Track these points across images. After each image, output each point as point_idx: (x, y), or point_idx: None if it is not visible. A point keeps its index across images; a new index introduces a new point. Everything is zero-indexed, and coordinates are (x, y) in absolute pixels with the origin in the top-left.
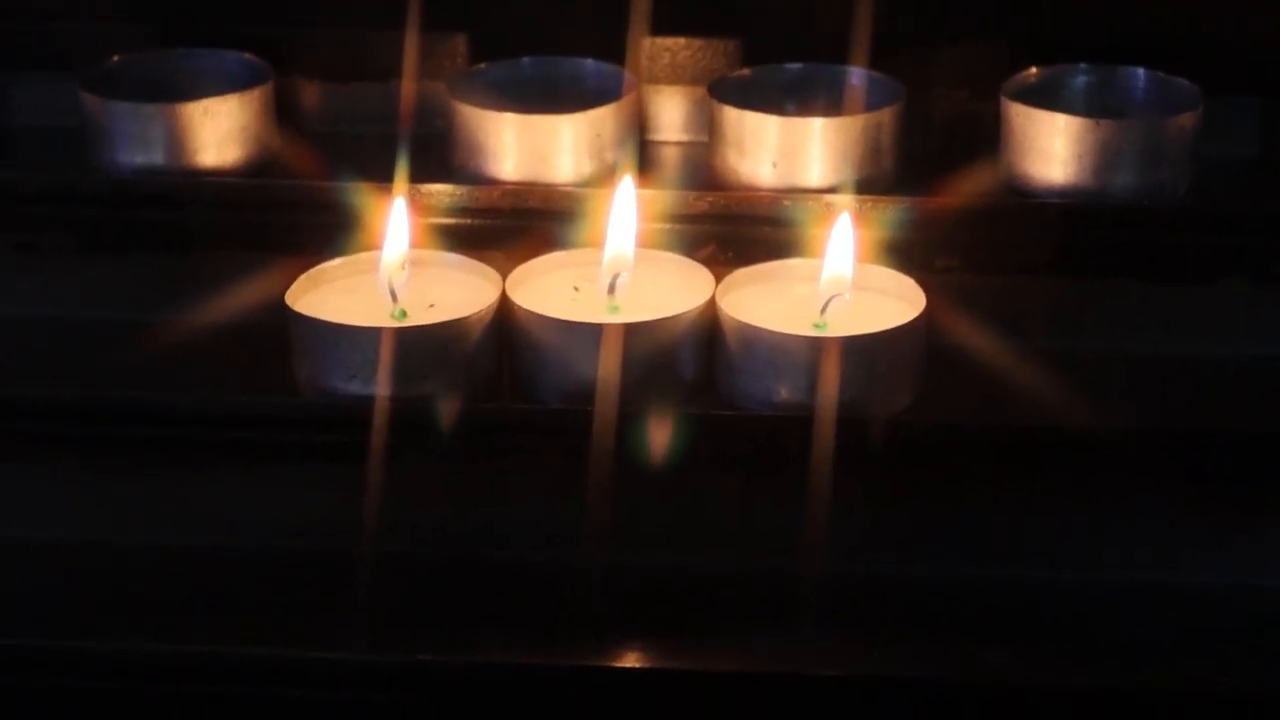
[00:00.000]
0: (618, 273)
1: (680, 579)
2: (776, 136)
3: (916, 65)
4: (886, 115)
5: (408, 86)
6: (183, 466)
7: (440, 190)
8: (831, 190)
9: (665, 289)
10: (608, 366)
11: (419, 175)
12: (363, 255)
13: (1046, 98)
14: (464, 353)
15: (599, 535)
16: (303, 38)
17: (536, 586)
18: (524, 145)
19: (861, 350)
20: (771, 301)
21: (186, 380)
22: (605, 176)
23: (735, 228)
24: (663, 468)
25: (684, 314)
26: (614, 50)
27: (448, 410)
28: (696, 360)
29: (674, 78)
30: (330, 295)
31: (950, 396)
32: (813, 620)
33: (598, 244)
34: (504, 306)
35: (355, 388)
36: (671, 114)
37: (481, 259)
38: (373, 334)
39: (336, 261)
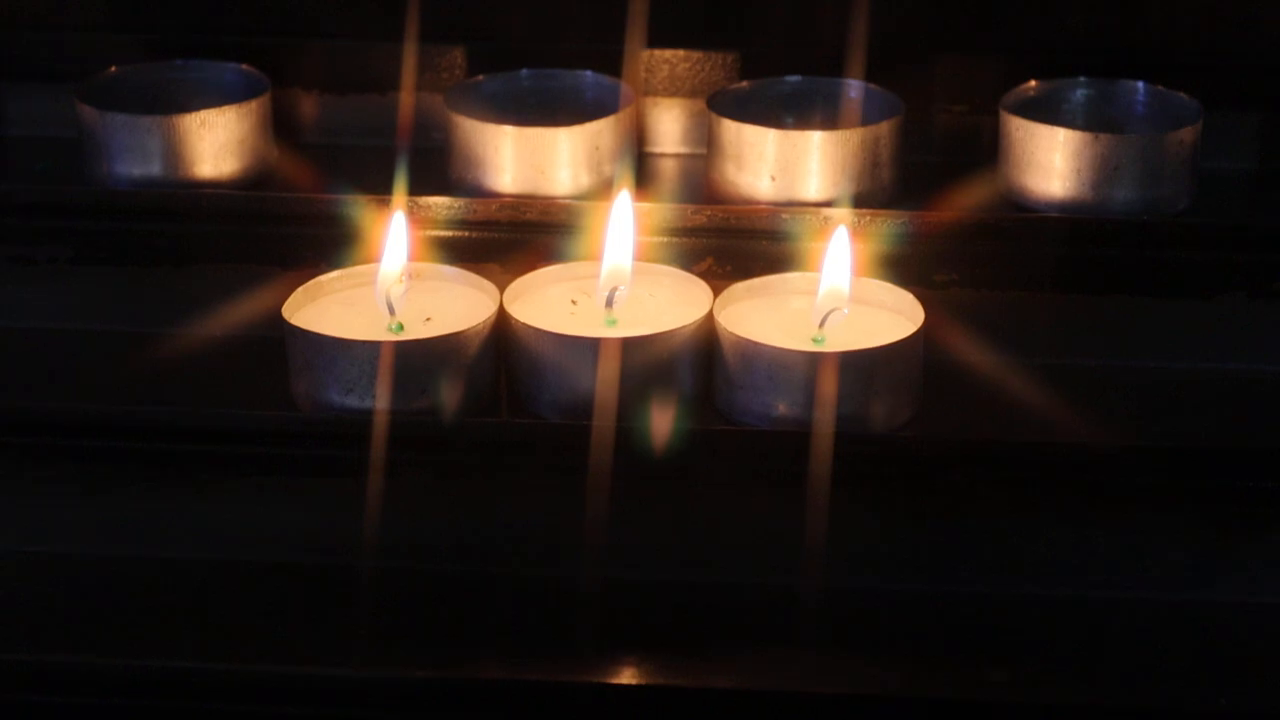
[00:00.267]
0: (615, 286)
1: (679, 595)
2: (775, 150)
3: (915, 78)
4: (885, 129)
5: (406, 99)
6: (179, 481)
7: (438, 203)
8: (830, 203)
9: (663, 302)
10: (605, 381)
11: (417, 188)
12: (360, 268)
13: (1046, 111)
14: (462, 366)
15: (597, 550)
16: (300, 49)
17: (534, 602)
18: (522, 158)
19: (860, 365)
20: (769, 315)
21: (182, 393)
22: (603, 189)
23: (733, 241)
24: (661, 483)
25: (682, 328)
26: (612, 62)
27: (446, 424)
28: (694, 374)
29: (672, 90)
30: (327, 308)
31: (949, 411)
32: (813, 637)
33: (595, 257)
34: (501, 320)
35: (352, 401)
36: (669, 126)
37: (479, 271)
38: (370, 348)
39: (333, 274)
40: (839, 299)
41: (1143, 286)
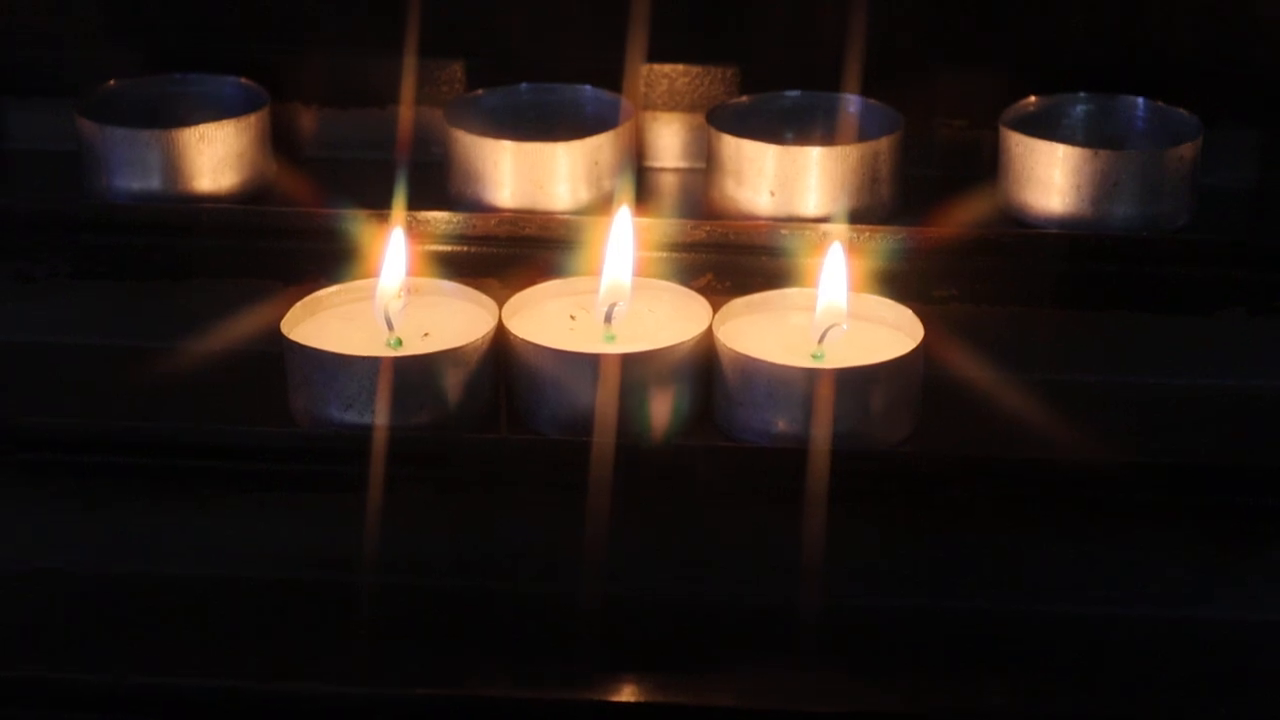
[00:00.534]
0: (614, 302)
1: (679, 611)
2: (774, 165)
3: (915, 92)
4: (885, 144)
5: (405, 113)
6: (179, 496)
7: (437, 218)
8: (829, 219)
9: (662, 318)
10: (605, 396)
11: (416, 202)
12: (358, 283)
13: (1045, 127)
14: (461, 382)
15: (597, 566)
16: (299, 63)
17: (534, 618)
18: (521, 173)
19: (859, 381)
20: (769, 331)
21: (182, 409)
22: (603, 204)
23: (732, 256)
24: (661, 499)
25: (681, 344)
26: (611, 76)
27: (445, 440)
28: (693, 390)
29: (671, 104)
30: (326, 323)
31: (948, 427)
32: (813, 653)
33: (594, 272)
34: (500, 335)
35: (352, 417)
36: (668, 141)
37: (478, 286)
38: (370, 363)
39: (332, 289)
40: (837, 315)
41: (1142, 302)
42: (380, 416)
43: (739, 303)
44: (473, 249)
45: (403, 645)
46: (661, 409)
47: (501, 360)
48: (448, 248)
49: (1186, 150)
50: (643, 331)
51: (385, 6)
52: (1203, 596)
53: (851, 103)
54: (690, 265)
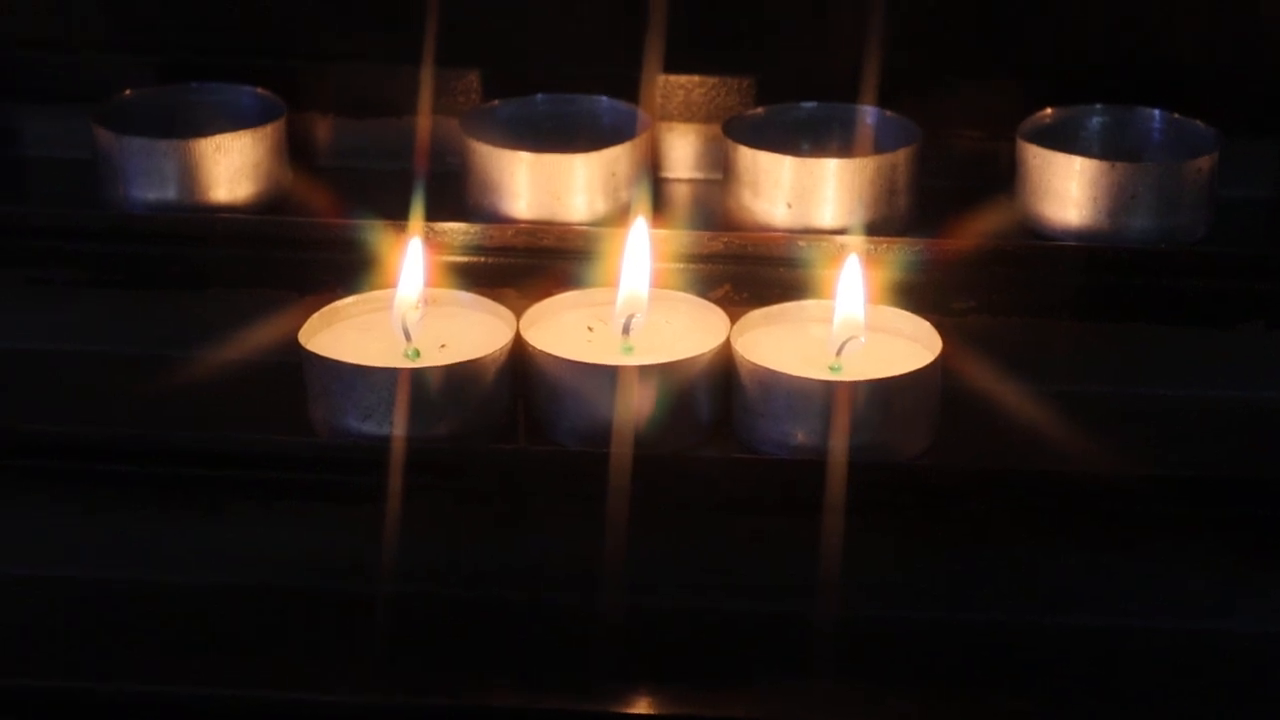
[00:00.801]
0: (632, 313)
1: (697, 623)
2: (791, 177)
3: (930, 104)
4: (902, 156)
5: (423, 124)
6: (195, 505)
7: (454, 228)
8: (846, 231)
9: (680, 329)
10: (624, 408)
11: (433, 213)
12: (376, 293)
13: (1062, 139)
14: (479, 393)
15: (615, 578)
16: (314, 72)
17: (551, 629)
18: (539, 183)
19: (879, 394)
20: (787, 343)
21: (198, 418)
22: (619, 215)
23: (750, 268)
24: (679, 510)
25: (699, 356)
26: (624, 86)
27: (464, 451)
28: (712, 401)
29: (686, 115)
30: (343, 333)
31: (966, 439)
32: (830, 665)
33: (611, 283)
34: (518, 347)
35: (370, 428)
36: (683, 151)
37: (494, 297)
38: (389, 374)
39: (349, 299)
40: (854, 328)
41: (1160, 315)
42: (399, 427)
43: (756, 314)
44: (490, 260)
45: (419, 656)
46: (680, 420)
47: (519, 371)
48: (465, 258)
49: (1204, 163)
50: (660, 343)
51: (398, 17)
52: (1221, 609)
53: (868, 114)
54: (707, 276)
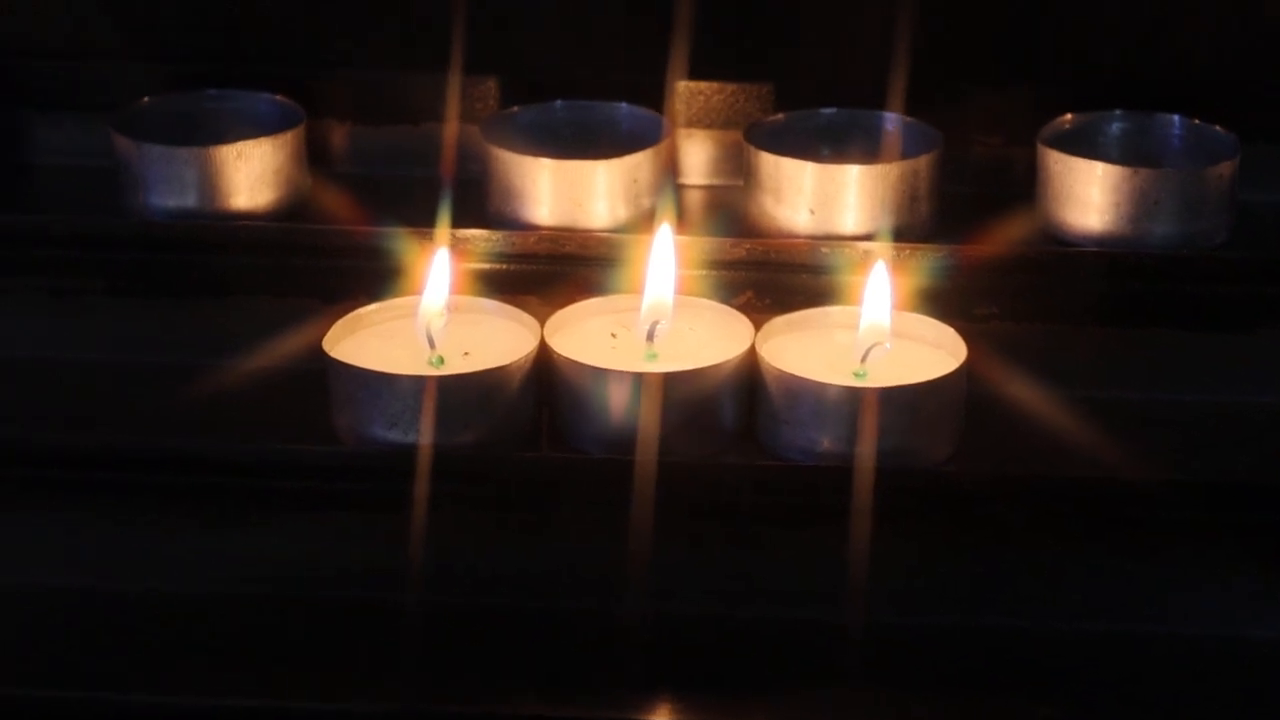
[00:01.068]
0: (656, 320)
1: (720, 630)
2: (814, 183)
3: (946, 110)
4: (924, 162)
5: (450, 130)
6: (219, 516)
7: (477, 235)
8: (869, 237)
9: (703, 336)
10: (649, 415)
11: (453, 219)
12: (398, 300)
13: (1081, 145)
14: (505, 400)
15: (639, 585)
16: (328, 79)
17: (576, 637)
18: (560, 190)
19: (904, 400)
20: (811, 349)
21: (220, 427)
22: (641, 222)
23: (772, 274)
24: (703, 517)
25: (725, 363)
26: (637, 92)
27: (490, 458)
28: (736, 408)
29: (704, 121)
30: (366, 341)
31: (990, 445)
32: (855, 672)
33: (633, 290)
34: (543, 353)
35: (396, 436)
36: (698, 157)
37: (515, 304)
38: (416, 382)
39: (372, 307)
40: (880, 334)
41: (1182, 320)
42: (425, 435)
43: (780, 321)
44: (511, 266)
45: (443, 663)
46: (704, 426)
47: (543, 378)
48: (486, 265)
49: (1226, 168)
50: (684, 349)
51: (412, 23)
52: (1245, 615)
53: (888, 120)
54: (730, 283)
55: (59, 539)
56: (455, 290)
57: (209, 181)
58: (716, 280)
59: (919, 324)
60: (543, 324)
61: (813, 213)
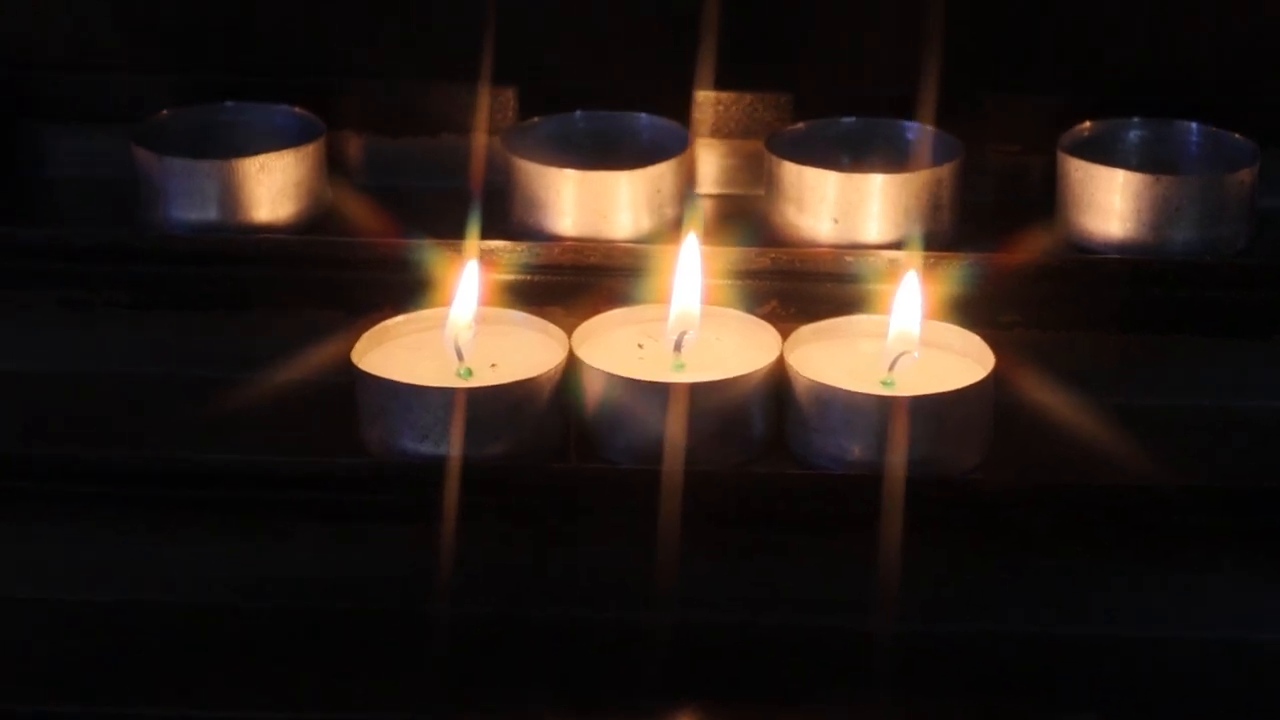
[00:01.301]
0: (685, 330)
1: (748, 638)
2: (837, 192)
3: (965, 119)
4: (947, 171)
5: (479, 142)
6: (247, 529)
7: (501, 247)
8: (892, 246)
9: (730, 346)
10: (679, 425)
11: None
12: (425, 312)
13: (1100, 152)
14: (535, 411)
15: (668, 595)
16: (347, 91)
17: (604, 646)
18: (584, 201)
19: (935, 409)
20: (838, 358)
21: (245, 440)
22: (664, 232)
23: (797, 284)
24: (733, 526)
25: (755, 372)
26: (657, 102)
27: (522, 470)
28: (765, 417)
29: (719, 131)
30: (393, 353)
31: (1016, 453)
32: (884, 680)
33: (657, 300)
34: (571, 365)
35: (427, 448)
36: (713, 167)
37: (539, 314)
38: (447, 394)
39: (399, 319)
40: (909, 342)
41: (1204, 326)
42: (455, 447)
43: (806, 330)
44: (535, 277)
45: (473, 673)
46: (734, 436)
47: (571, 390)
48: (510, 276)
49: (1246, 175)
50: (711, 359)
51: (429, 34)
52: (1274, 620)
53: (908, 129)
54: (754, 292)
55: (85, 554)
56: (483, 302)
57: (231, 194)
58: (741, 290)
59: (945, 332)
60: (567, 334)
61: (836, 222)
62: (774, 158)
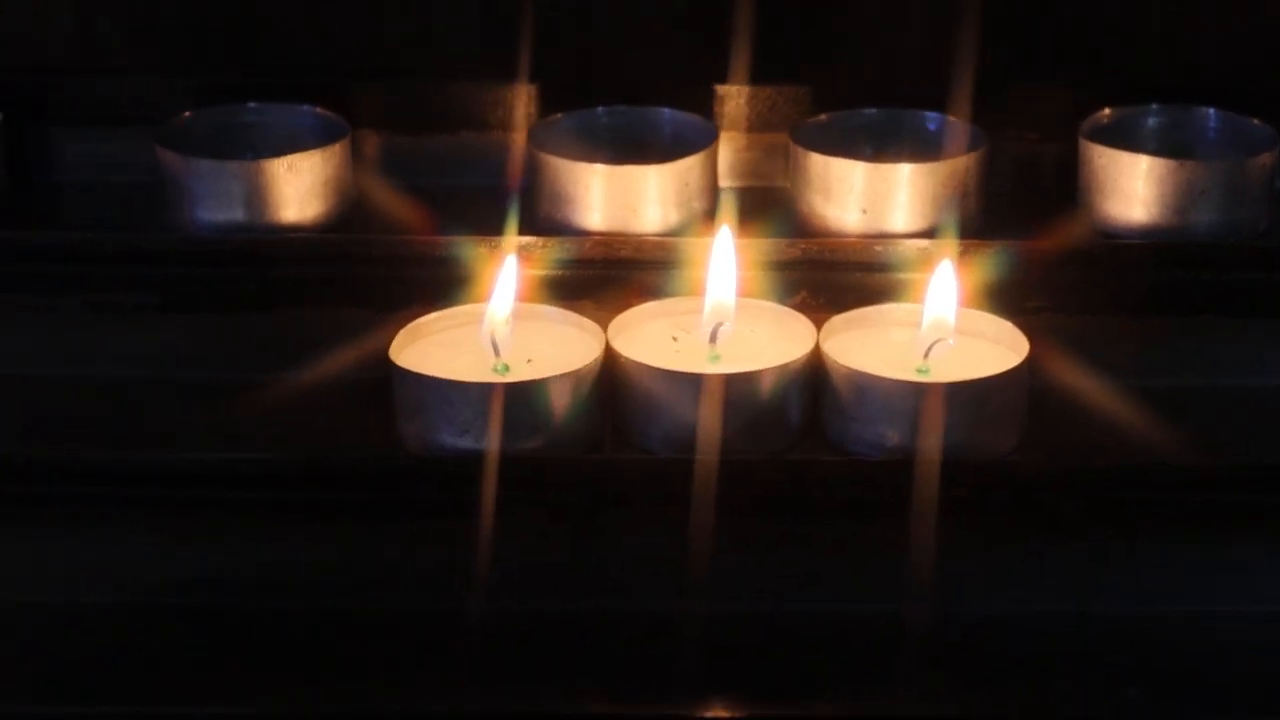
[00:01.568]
0: (720, 322)
1: (786, 626)
2: (864, 182)
3: (984, 108)
4: (972, 160)
5: (518, 140)
6: (283, 527)
7: (533, 242)
8: (920, 235)
9: (764, 337)
10: (716, 415)
11: (497, 227)
12: (459, 309)
13: (1119, 138)
14: (574, 405)
15: (704, 583)
16: (366, 90)
17: (641, 635)
18: (612, 196)
19: (973, 394)
20: (872, 347)
21: (277, 439)
22: (692, 225)
23: (827, 274)
24: (773, 515)
25: (792, 361)
26: (678, 96)
27: (558, 462)
28: (802, 405)
29: (740, 124)
30: (428, 350)
31: (1048, 436)
32: (922, 666)
33: (688, 292)
34: (608, 358)
35: (466, 443)
36: (734, 159)
37: (570, 308)
38: (486, 389)
39: (433, 315)
40: (944, 330)
41: (1228, 307)
42: (494, 441)
43: (839, 319)
44: (566, 272)
45: (511, 665)
46: (771, 425)
47: (607, 383)
48: (541, 271)
49: (1267, 159)
50: (745, 350)
51: (452, 32)
52: None
53: (930, 119)
54: (784, 284)
55: (117, 555)
56: (518, 297)
57: (258, 195)
58: (770, 281)
59: (978, 319)
60: (600, 328)
61: (865, 212)
62: (800, 149)
